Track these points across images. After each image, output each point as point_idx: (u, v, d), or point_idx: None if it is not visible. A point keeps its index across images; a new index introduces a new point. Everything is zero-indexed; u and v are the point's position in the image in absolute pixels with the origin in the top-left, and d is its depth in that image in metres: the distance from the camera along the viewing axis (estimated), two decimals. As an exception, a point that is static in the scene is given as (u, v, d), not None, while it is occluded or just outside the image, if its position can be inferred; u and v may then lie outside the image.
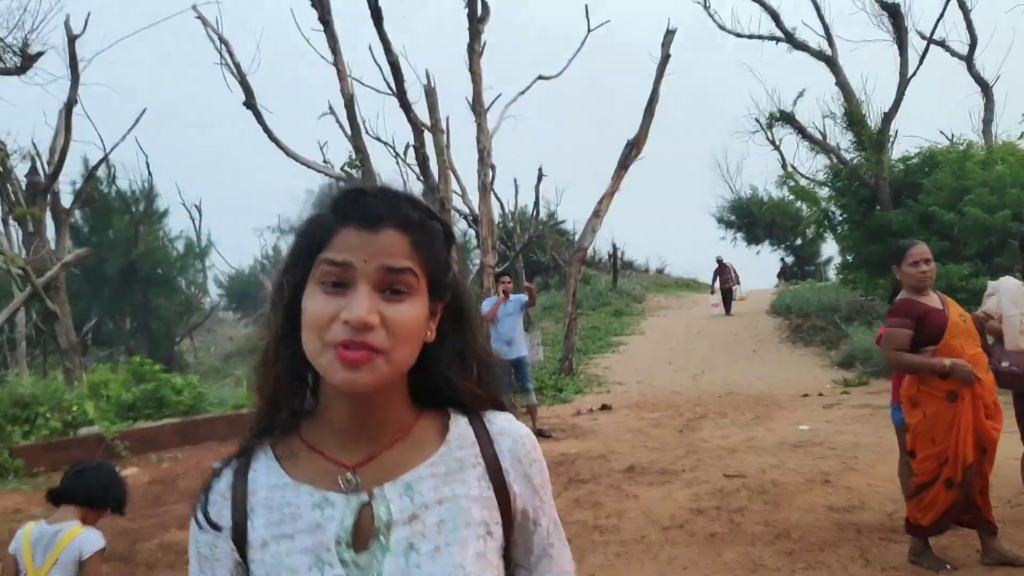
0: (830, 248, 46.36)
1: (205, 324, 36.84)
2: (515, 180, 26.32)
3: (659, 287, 33.78)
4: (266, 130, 14.28)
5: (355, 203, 1.04)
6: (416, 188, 13.59)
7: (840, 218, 18.95)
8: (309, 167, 14.62)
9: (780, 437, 8.93)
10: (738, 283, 24.88)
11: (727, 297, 24.21)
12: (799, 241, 46.80)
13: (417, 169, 14.56)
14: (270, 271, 41.18)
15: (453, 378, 1.11)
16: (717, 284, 24.74)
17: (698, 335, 20.50)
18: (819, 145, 18.63)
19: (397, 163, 18.62)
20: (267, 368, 1.08)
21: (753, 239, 45.58)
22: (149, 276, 31.29)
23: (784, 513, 5.96)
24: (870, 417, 9.75)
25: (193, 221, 34.25)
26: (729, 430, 9.68)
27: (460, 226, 35.43)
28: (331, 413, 1.07)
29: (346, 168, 13.98)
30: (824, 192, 18.72)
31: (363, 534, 1.02)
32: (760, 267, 48.07)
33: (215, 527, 1.06)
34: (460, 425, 1.12)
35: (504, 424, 1.14)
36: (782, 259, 45.06)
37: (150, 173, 31.89)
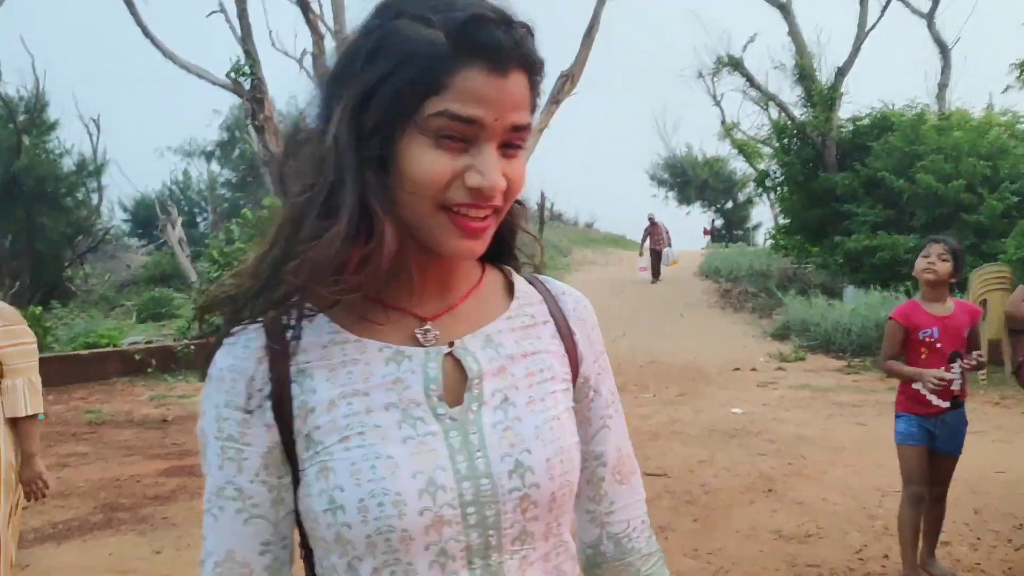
0: (760, 213, 45.93)
1: (108, 250, 34.12)
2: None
3: (587, 242, 32.37)
4: (139, 23, 12.13)
5: (482, 31, 0.80)
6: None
7: (781, 178, 17.70)
8: (189, 70, 12.55)
9: (710, 421, 7.53)
10: (670, 245, 21.45)
11: (656, 260, 21.32)
12: (730, 204, 46.20)
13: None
14: (177, 197, 38.52)
15: (518, 232, 1.02)
16: (647, 244, 21.53)
17: (622, 294, 19.14)
18: (766, 96, 17.20)
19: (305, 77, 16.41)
20: (315, 224, 0.82)
21: (685, 199, 44.67)
22: (33, 192, 28.49)
23: (720, 538, 4.49)
24: (811, 401, 8.44)
25: (90, 136, 31.50)
26: (650, 408, 8.25)
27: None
28: (403, 270, 0.89)
29: (232, 75, 11.98)
30: (768, 151, 17.36)
31: (452, 388, 0.89)
32: (690, 228, 47.13)
33: (247, 406, 0.87)
34: (522, 283, 1.02)
35: (561, 286, 1.07)
36: (712, 220, 44.26)
37: (36, 76, 28.74)
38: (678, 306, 17.10)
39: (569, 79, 13.75)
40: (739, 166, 43.35)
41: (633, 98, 67.37)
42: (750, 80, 17.07)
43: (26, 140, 28.02)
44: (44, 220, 29.02)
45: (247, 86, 12.22)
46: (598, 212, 45.81)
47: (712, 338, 13.51)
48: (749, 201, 45.41)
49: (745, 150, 17.90)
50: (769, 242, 27.97)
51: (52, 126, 30.37)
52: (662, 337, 13.68)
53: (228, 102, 31.57)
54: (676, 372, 10.58)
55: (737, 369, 10.72)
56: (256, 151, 14.64)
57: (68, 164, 30.75)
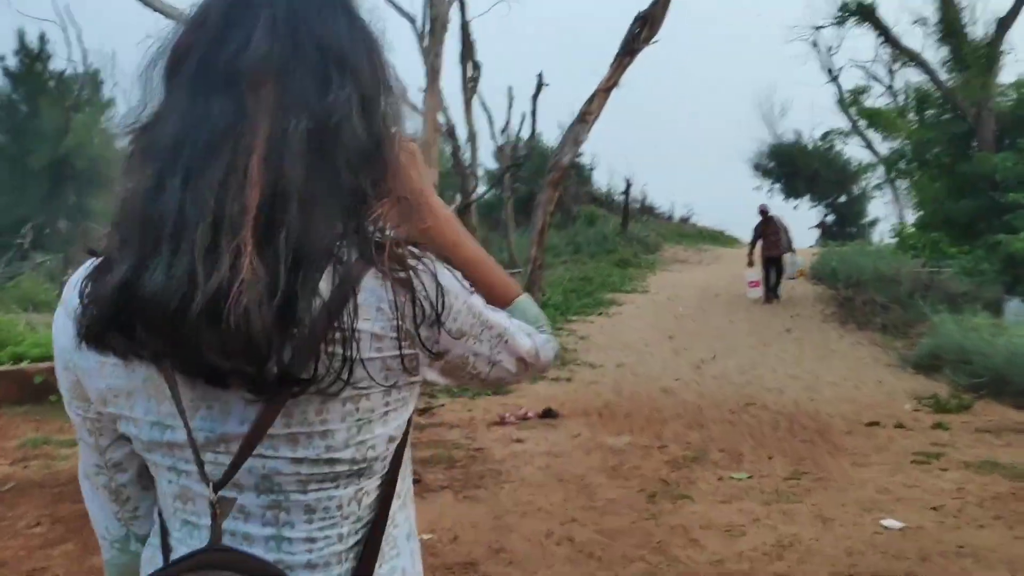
0: (876, 208, 41.41)
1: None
2: (510, 89, 21.40)
3: (679, 237, 28.80)
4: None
5: None
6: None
7: (918, 160, 14.07)
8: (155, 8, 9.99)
9: (847, 547, 4.31)
10: (791, 250, 15.13)
11: (773, 271, 15.08)
12: (843, 197, 41.73)
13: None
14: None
15: None
16: (758, 248, 15.20)
17: (715, 300, 15.79)
18: (904, 56, 13.53)
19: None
20: None
21: (793, 191, 40.41)
22: (85, 174, 26.90)
23: None
24: (1016, 505, 5.09)
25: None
26: (742, 505, 5.07)
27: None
28: None
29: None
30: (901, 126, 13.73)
31: None
32: (798, 224, 42.86)
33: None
34: None
35: None
36: (824, 215, 39.90)
37: (83, 49, 27.00)
38: (783, 318, 13.66)
39: (646, 23, 10.56)
40: (854, 154, 39.02)
41: (734, 75, 62.74)
42: (884, 34, 13.44)
43: (74, 118, 26.34)
44: (95, 203, 27.45)
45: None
46: (695, 204, 41.75)
47: (831, 367, 10.11)
48: (864, 194, 41.05)
49: (878, 120, 14.24)
50: (893, 240, 24.07)
51: (107, 104, 28.72)
52: (762, 363, 10.36)
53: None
54: (784, 426, 7.31)
55: (875, 424, 7.37)
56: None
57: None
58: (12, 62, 27.21)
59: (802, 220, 42.39)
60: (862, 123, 19.71)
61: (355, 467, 0.91)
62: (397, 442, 0.95)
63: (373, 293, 0.86)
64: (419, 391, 0.99)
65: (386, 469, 0.96)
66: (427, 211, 1.03)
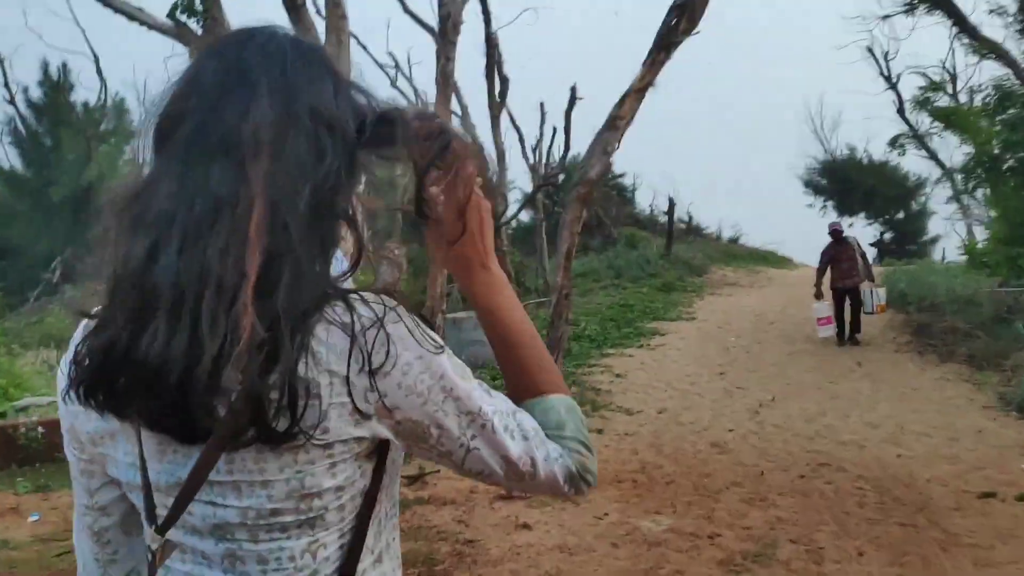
0: (937, 225, 39.45)
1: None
2: (542, 104, 19.99)
3: (728, 258, 27.06)
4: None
5: None
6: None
7: (1006, 164, 12.35)
8: (120, 11, 8.79)
9: None
10: (871, 278, 12.39)
11: (845, 302, 12.25)
12: (901, 214, 39.62)
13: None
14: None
15: None
16: (827, 277, 12.28)
17: (770, 328, 14.14)
18: (985, 46, 11.84)
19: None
20: None
21: (847, 209, 38.36)
22: (109, 205, 26.17)
23: None
24: None
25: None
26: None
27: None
28: None
29: (178, 15, 8.13)
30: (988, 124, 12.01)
31: None
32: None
33: None
34: None
35: None
36: (881, 233, 37.75)
37: (102, 79, 26.33)
38: (850, 350, 11.96)
39: (685, 11, 9.08)
40: (912, 168, 37.09)
41: (783, 87, 60.40)
42: (960, 23, 11.76)
43: (97, 148, 25.62)
44: (120, 236, 26.72)
45: (198, 29, 8.27)
46: (743, 223, 39.79)
47: (916, 411, 8.43)
48: (924, 210, 39.02)
49: (955, 122, 12.54)
50: (961, 257, 22.22)
51: (132, 134, 28.00)
52: (832, 406, 8.72)
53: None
54: (872, 499, 5.70)
55: (990, 495, 5.71)
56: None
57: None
58: (36, 93, 26.69)
59: (859, 238, 40.33)
60: (931, 128, 17.99)
61: (301, 517, 0.91)
62: (352, 494, 0.94)
63: (317, 340, 0.86)
64: (394, 448, 0.97)
65: (345, 520, 0.94)
66: (470, 268, 1.03)
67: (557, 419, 1.00)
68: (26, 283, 24.20)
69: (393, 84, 16.38)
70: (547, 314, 15.32)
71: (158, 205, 0.85)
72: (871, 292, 12.16)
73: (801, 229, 39.37)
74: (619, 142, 9.43)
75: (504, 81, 17.66)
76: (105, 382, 0.86)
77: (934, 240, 39.57)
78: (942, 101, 14.15)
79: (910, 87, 21.45)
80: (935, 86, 13.48)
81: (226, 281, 0.81)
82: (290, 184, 0.86)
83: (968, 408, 8.48)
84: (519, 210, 18.85)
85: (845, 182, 38.03)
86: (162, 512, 0.92)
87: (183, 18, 8.24)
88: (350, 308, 0.87)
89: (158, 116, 0.92)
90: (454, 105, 17.92)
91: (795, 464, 6.63)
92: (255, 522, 0.90)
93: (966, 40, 11.90)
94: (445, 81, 10.41)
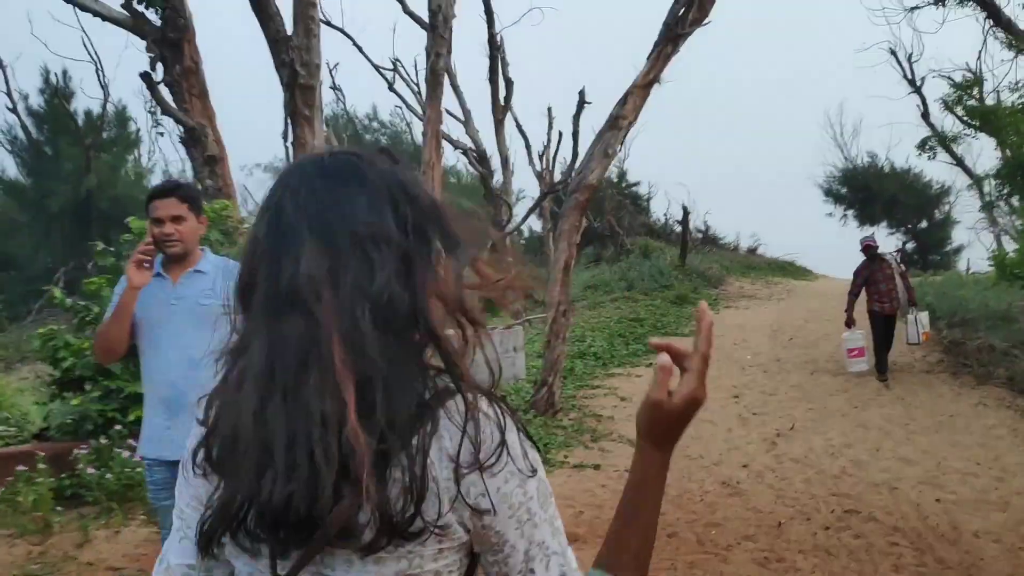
0: (961, 234, 38.42)
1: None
2: (549, 109, 19.17)
3: (745, 269, 26.09)
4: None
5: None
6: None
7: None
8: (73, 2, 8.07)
9: None
10: (912, 303, 10.40)
11: (883, 331, 10.31)
12: (924, 223, 38.46)
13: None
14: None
15: None
16: (864, 299, 10.34)
17: (790, 345, 13.21)
18: (1022, 41, 10.92)
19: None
20: None
21: (868, 218, 37.28)
22: (109, 215, 25.57)
23: None
24: None
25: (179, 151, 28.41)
26: None
27: (459, 165, 28.46)
28: None
29: (135, 5, 7.35)
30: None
31: None
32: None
33: None
34: None
35: None
36: (903, 243, 36.60)
37: (102, 85, 25.72)
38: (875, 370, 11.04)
39: (693, 2, 8.25)
40: (936, 175, 36.13)
41: (802, 92, 59.19)
42: (993, 15, 10.84)
43: (96, 157, 25.02)
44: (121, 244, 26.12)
45: (157, 19, 7.52)
46: (762, 233, 38.71)
47: (955, 443, 7.51)
48: (948, 219, 37.94)
49: (993, 121, 11.59)
50: (989, 268, 21.22)
51: (134, 142, 27.47)
52: (859, 437, 7.81)
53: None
54: (910, 559, 4.80)
55: (1053, 554, 4.82)
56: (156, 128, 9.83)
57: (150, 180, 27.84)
58: (37, 100, 26.19)
59: (880, 248, 39.25)
60: (962, 131, 17.02)
61: None
62: None
63: (439, 436, 0.93)
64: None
65: None
66: (673, 434, 1.07)
67: None
68: (28, 295, 23.65)
69: (391, 87, 15.63)
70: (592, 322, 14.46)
71: (257, 363, 0.93)
72: (915, 319, 10.35)
73: (821, 239, 38.42)
74: (622, 144, 8.62)
75: (508, 84, 16.90)
76: (228, 530, 0.94)
77: (958, 250, 38.50)
78: (970, 103, 13.21)
79: (934, 91, 20.64)
80: (969, 83, 12.50)
81: (329, 414, 0.88)
82: (353, 311, 0.92)
83: (1012, 440, 7.55)
84: (524, 218, 18.05)
85: (866, 190, 36.99)
86: None
87: (141, 8, 7.48)
88: (467, 404, 0.94)
89: (238, 278, 1.01)
90: (456, 109, 17.18)
91: (818, 511, 5.74)
92: None
93: (1000, 34, 11.03)
94: (435, 79, 9.63)
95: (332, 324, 0.90)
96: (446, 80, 10.96)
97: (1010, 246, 22.09)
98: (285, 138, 8.74)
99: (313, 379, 0.89)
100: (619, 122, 8.44)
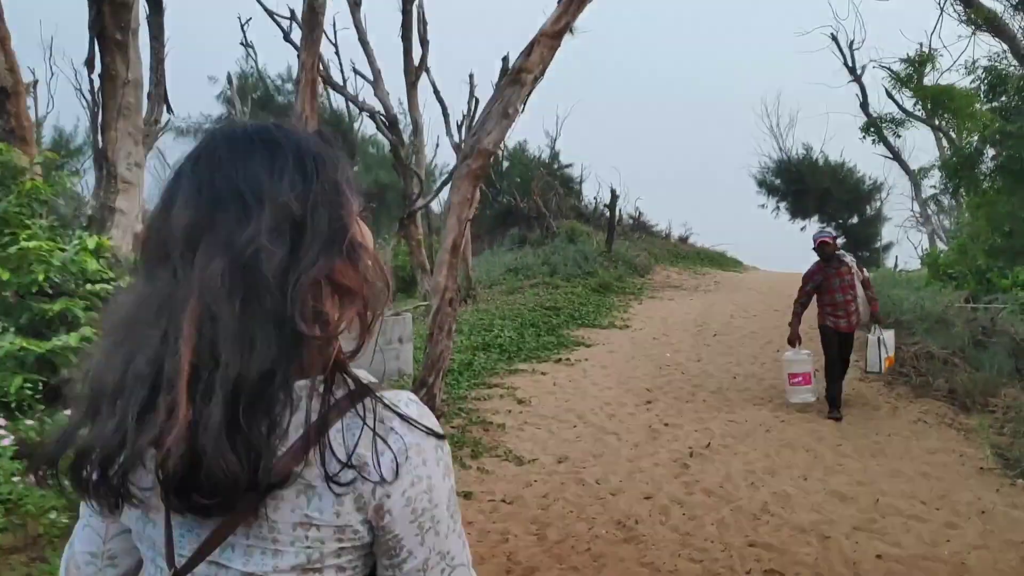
0: (890, 232, 38.25)
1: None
2: (471, 76, 17.66)
3: (674, 258, 25.20)
4: None
5: None
6: None
7: (992, 160, 10.46)
8: None
9: None
10: (876, 320, 8.31)
11: (836, 350, 8.06)
12: (855, 219, 38.15)
13: None
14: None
15: None
16: (814, 310, 8.23)
17: (714, 342, 12.10)
18: (980, 15, 9.88)
19: None
20: None
21: (800, 211, 36.78)
22: None
23: None
24: None
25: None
26: None
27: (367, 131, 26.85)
28: None
29: None
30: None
31: None
32: (805, 246, 39.11)
33: None
34: None
35: None
36: (834, 238, 36.17)
37: (51, 95, 23.24)
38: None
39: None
40: (869, 171, 35.98)
41: (739, 81, 58.55)
42: (951, -11, 9.77)
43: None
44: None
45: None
46: (694, 223, 37.90)
47: (893, 470, 6.38)
48: (879, 215, 37.77)
49: (947, 104, 10.56)
50: (918, 266, 20.72)
51: (74, 152, 25.24)
52: (783, 459, 6.64)
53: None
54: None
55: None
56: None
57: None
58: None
59: (809, 242, 38.80)
60: (914, 109, 16.05)
61: None
62: None
63: (339, 433, 0.90)
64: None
65: None
66: None
67: None
68: None
69: (286, 38, 14.01)
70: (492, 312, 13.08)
71: (119, 314, 0.93)
72: (878, 340, 8.19)
73: (753, 230, 37.83)
74: (524, 103, 7.26)
75: (424, 44, 15.37)
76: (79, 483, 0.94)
77: (887, 247, 38.43)
78: (921, 85, 12.22)
79: (875, 82, 19.85)
80: (923, 57, 11.48)
81: (164, 376, 0.85)
82: (209, 260, 0.87)
83: (960, 470, 6.46)
84: (436, 193, 16.54)
85: (800, 182, 36.46)
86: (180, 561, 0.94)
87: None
88: (370, 401, 0.92)
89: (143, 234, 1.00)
90: (365, 69, 15.62)
91: (731, 569, 4.50)
92: None
93: (959, 7, 10.01)
94: (313, 17, 8.17)
95: (192, 277, 0.87)
96: (342, 31, 9.47)
97: (943, 246, 21.55)
98: (90, 68, 7.14)
99: (157, 337, 0.86)
100: (522, 76, 7.08)
